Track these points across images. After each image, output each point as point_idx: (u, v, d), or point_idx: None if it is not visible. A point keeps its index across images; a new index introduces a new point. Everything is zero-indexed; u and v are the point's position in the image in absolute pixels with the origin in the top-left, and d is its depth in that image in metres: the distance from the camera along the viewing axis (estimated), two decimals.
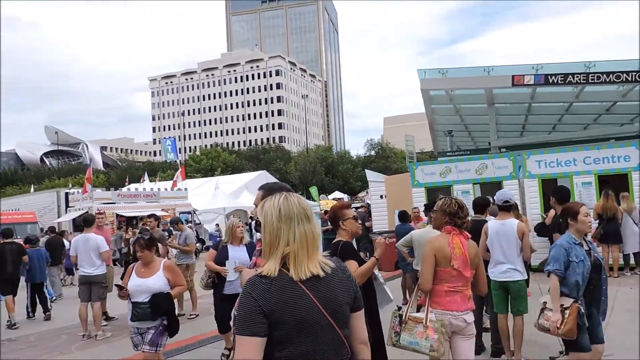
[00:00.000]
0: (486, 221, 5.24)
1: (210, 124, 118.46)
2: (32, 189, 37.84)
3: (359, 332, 1.91)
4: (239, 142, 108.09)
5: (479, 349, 5.12)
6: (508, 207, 4.98)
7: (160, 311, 4.22)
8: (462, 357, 3.39)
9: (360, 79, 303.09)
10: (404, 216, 8.54)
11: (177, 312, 8.17)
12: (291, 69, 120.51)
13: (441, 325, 3.23)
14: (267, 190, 2.71)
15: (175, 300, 8.21)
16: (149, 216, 8.76)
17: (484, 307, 5.57)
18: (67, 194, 23.39)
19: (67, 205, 22.57)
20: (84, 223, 7.67)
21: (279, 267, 1.75)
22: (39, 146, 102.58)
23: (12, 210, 24.07)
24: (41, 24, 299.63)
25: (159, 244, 8.37)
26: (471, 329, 3.41)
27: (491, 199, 5.89)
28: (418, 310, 3.48)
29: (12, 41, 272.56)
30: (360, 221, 3.80)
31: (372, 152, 57.22)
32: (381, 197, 14.85)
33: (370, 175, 17.95)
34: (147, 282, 4.29)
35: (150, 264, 4.44)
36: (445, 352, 3.25)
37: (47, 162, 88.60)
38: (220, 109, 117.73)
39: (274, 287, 1.71)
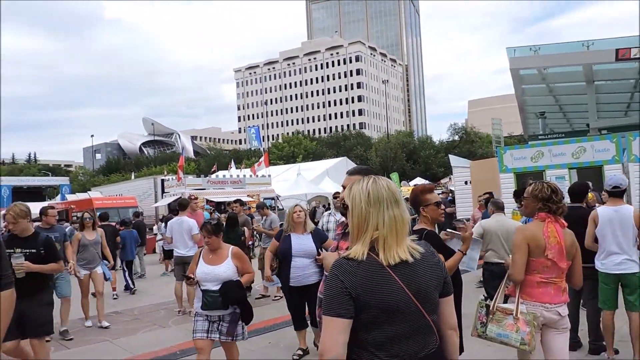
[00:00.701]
0: (584, 208, 4.83)
1: (291, 112, 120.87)
2: (132, 176, 41.18)
3: (448, 318, 1.87)
4: (319, 130, 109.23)
5: (575, 344, 4.78)
6: (619, 193, 4.51)
7: (232, 300, 4.05)
8: (555, 352, 3.17)
9: (443, 62, 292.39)
10: None
11: (261, 293, 8.55)
12: (371, 54, 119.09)
13: (533, 317, 3.05)
14: (355, 174, 2.68)
15: (261, 283, 8.59)
16: (235, 201, 9.15)
17: (581, 301, 5.17)
18: (162, 181, 25.17)
19: (163, 191, 24.30)
20: (179, 207, 8.22)
21: (367, 251, 1.74)
22: (138, 137, 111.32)
23: (117, 195, 26.43)
24: (138, 24, 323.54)
25: (245, 228, 8.76)
26: (565, 322, 3.18)
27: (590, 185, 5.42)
28: (505, 301, 3.31)
29: (115, 41, 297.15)
30: (443, 207, 3.62)
31: (456, 137, 55.14)
32: (466, 183, 14.32)
33: (454, 160, 17.32)
34: (216, 270, 4.14)
35: (217, 250, 4.27)
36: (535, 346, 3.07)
37: (145, 152, 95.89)
38: (301, 97, 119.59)
39: (361, 270, 1.71)
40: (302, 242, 4.99)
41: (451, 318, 1.88)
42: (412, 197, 3.49)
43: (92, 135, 69.80)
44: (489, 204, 6.26)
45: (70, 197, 27.89)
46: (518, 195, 7.56)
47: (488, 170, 12.76)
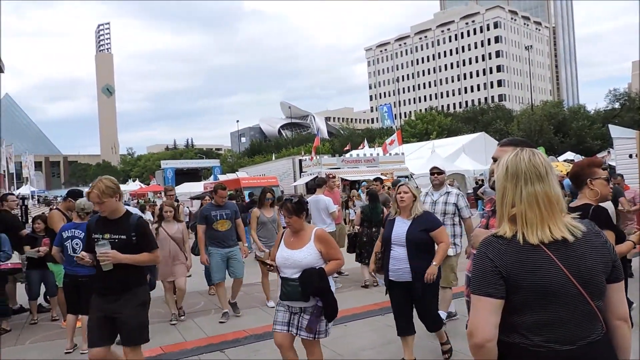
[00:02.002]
0: None
1: (424, 87, 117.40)
2: (273, 157, 44.07)
3: (617, 307, 1.67)
4: (454, 104, 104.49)
5: None
6: None
7: (312, 290, 3.51)
8: None
9: (599, 19, 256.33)
10: None
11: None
12: (512, 18, 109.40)
13: None
14: (506, 145, 2.52)
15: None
16: (375, 179, 9.21)
17: None
18: (300, 161, 26.52)
19: (300, 171, 25.62)
20: (316, 185, 8.58)
21: (513, 229, 1.64)
22: (277, 120, 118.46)
23: (260, 175, 28.60)
24: (275, 12, 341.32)
25: (384, 207, 8.80)
26: None
27: None
28: None
29: (256, 31, 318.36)
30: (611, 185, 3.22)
31: (616, 105, 48.32)
32: (630, 156, 12.58)
33: (616, 131, 15.24)
34: (295, 255, 3.62)
35: (299, 232, 3.72)
36: None
37: (284, 134, 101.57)
38: (434, 72, 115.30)
39: (511, 248, 1.61)
40: (403, 229, 4.23)
41: (621, 307, 1.67)
42: (576, 169, 3.17)
43: (237, 121, 76.07)
44: None
45: (221, 177, 30.96)
46: None
47: None
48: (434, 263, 4.16)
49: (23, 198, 25.10)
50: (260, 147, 74.87)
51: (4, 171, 22.98)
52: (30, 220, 8.45)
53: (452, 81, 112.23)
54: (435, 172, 5.60)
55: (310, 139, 62.94)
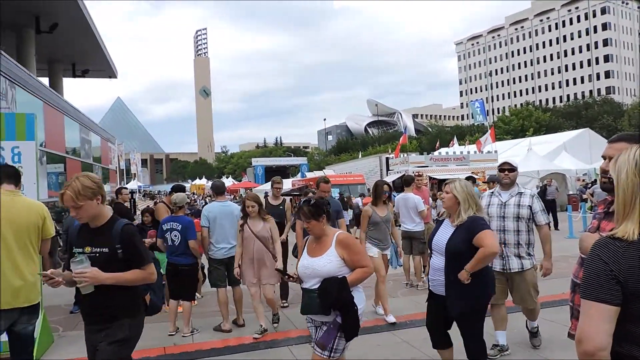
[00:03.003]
0: None
1: (519, 81, 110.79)
2: (360, 155, 44.20)
3: None
4: (553, 99, 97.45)
5: None
6: None
7: (331, 302, 3.10)
8: None
9: None
10: None
11: None
12: (623, 2, 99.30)
13: None
14: (618, 141, 2.31)
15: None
16: (467, 178, 8.90)
17: None
18: (387, 159, 26.34)
19: (387, 169, 25.45)
20: (404, 184, 8.46)
21: (638, 230, 1.50)
22: (363, 118, 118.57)
23: (347, 173, 28.82)
24: (365, 7, 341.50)
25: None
26: None
27: None
28: None
29: (344, 28, 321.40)
30: None
31: None
32: None
33: None
34: (314, 264, 3.24)
35: (321, 238, 3.34)
36: None
37: (370, 132, 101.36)
38: (531, 64, 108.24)
39: (631, 252, 1.48)
40: (445, 236, 3.66)
41: None
42: None
43: (324, 119, 77.59)
44: None
45: (309, 175, 31.67)
46: None
47: None
48: (465, 268, 3.48)
49: (132, 192, 27.64)
50: (347, 144, 75.39)
51: (116, 167, 25.53)
52: (138, 212, 9.29)
53: (552, 74, 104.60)
54: (507, 168, 4.75)
55: (397, 136, 62.15)
